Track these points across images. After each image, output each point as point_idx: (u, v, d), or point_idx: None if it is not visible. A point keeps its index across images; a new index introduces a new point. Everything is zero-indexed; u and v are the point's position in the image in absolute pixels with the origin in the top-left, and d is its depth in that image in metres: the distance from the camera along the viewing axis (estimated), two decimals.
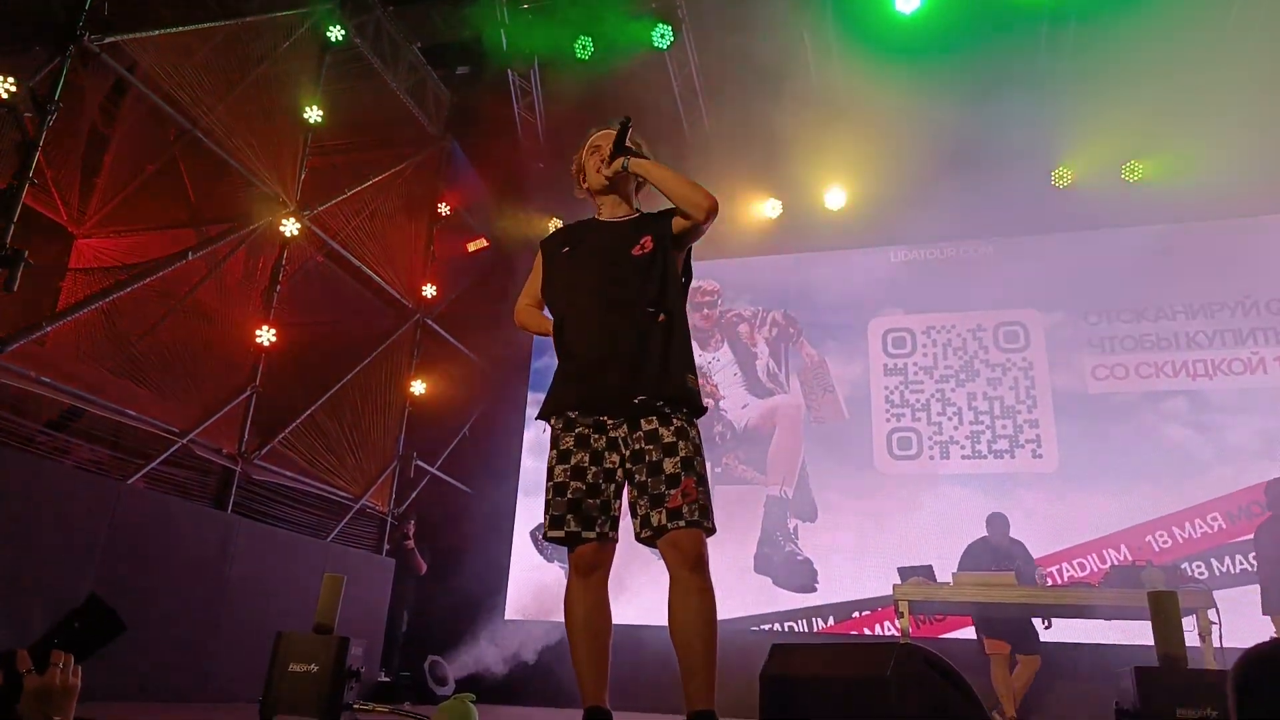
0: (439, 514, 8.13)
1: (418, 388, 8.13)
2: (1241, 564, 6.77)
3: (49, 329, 4.65)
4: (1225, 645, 4.84)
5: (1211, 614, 4.95)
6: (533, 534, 8.18)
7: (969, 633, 6.34)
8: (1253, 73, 6.90)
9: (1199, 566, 6.78)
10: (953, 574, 5.69)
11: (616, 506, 2.44)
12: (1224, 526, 6.90)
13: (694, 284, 2.63)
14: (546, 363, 8.49)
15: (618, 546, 2.46)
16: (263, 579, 5.51)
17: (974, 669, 5.75)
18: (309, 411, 6.66)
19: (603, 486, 2.42)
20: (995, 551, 6.11)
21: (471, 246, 9.18)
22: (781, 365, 8.54)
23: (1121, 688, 2.12)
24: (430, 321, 8.35)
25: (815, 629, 7.46)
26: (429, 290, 8.31)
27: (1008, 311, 8.04)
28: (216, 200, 6.41)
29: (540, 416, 2.57)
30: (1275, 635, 5.22)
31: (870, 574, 7.14)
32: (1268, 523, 5.57)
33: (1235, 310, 7.51)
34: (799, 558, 7.77)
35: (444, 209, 8.68)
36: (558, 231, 2.80)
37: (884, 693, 2.39)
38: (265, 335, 6.12)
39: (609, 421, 2.44)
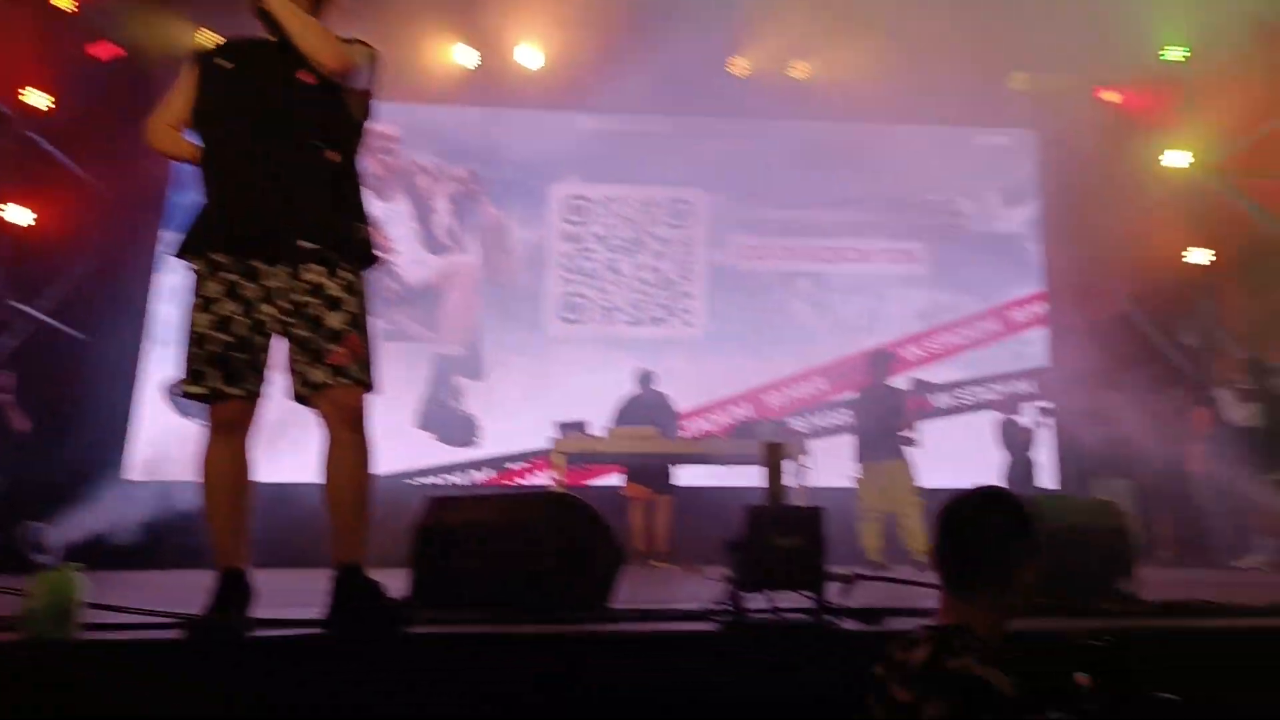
0: (46, 364, 6.96)
1: (17, 215, 6.73)
2: (833, 419, 8.18)
3: None
4: (816, 486, 5.90)
5: (808, 460, 5.97)
6: (167, 389, 7.36)
7: (616, 480, 7.00)
8: None
9: (802, 421, 8.05)
10: (607, 429, 6.18)
11: (266, 361, 2.27)
12: (825, 388, 8.25)
13: (373, 127, 2.43)
14: (187, 197, 7.46)
15: (271, 402, 2.31)
16: None
17: (620, 512, 6.41)
18: None
19: (253, 340, 2.22)
20: (643, 404, 6.78)
21: (98, 52, 7.52)
22: (461, 223, 8.36)
23: (735, 523, 2.44)
24: (35, 135, 6.87)
25: (474, 482, 7.75)
26: (36, 98, 6.78)
27: (678, 189, 8.56)
28: None
29: (180, 255, 2.26)
30: (858, 478, 6.38)
31: (531, 430, 7.48)
32: (868, 388, 6.67)
33: (858, 206, 8.69)
34: (462, 414, 7.92)
35: (61, 2, 6.95)
36: (218, 45, 2.38)
37: (535, 538, 2.57)
38: None
39: (263, 268, 2.21)
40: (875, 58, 7.95)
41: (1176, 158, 8.06)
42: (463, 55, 8.22)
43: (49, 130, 6.97)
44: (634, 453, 6.21)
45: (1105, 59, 8.08)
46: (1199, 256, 8.00)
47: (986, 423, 7.74)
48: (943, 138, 8.78)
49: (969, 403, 8.30)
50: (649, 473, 6.58)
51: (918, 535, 5.90)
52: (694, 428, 7.82)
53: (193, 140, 2.33)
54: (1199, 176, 7.98)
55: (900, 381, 6.89)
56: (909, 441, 6.32)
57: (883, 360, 6.66)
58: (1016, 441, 7.34)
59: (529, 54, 8.21)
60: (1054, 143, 8.70)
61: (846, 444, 6.82)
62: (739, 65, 8.49)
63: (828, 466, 6.16)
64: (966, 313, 8.56)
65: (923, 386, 6.85)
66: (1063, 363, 8.08)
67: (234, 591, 2.17)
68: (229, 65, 2.29)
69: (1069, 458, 7.96)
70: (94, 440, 6.98)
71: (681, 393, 7.21)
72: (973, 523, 1.58)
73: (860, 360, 7.49)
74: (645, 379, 6.97)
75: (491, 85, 8.30)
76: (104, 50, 7.52)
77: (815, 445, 6.40)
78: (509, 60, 8.24)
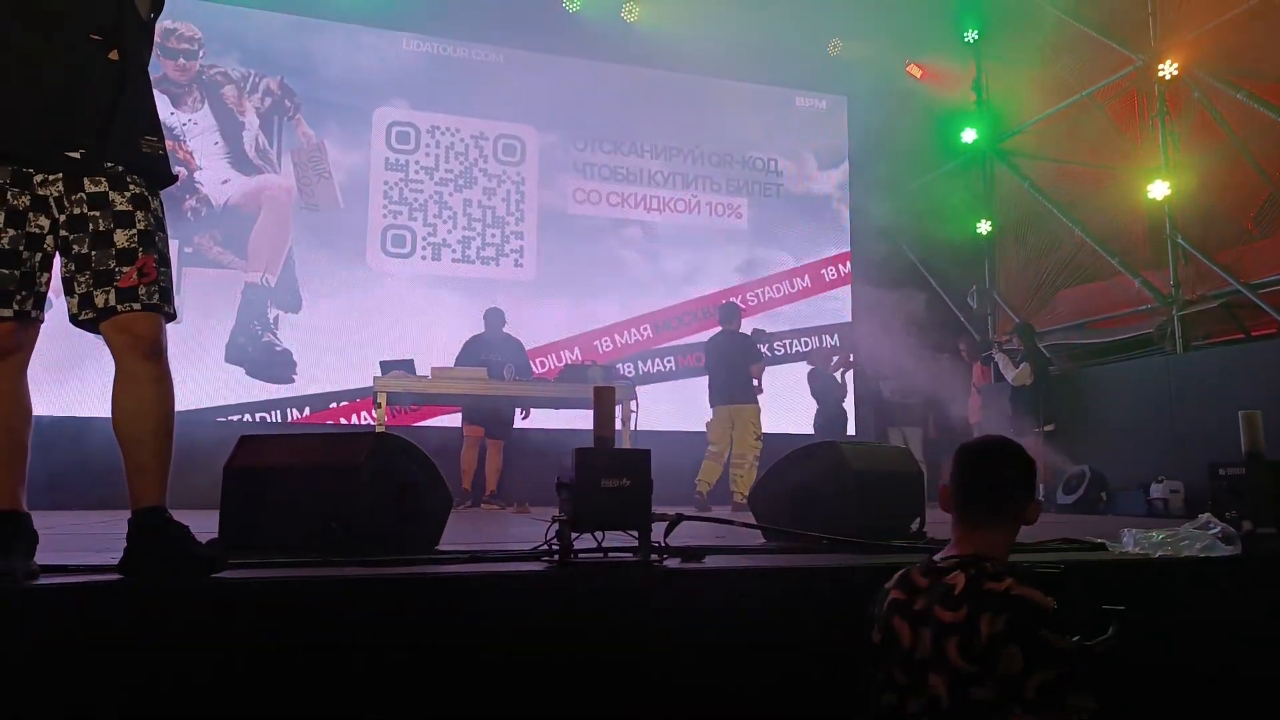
0: None
1: None
2: (658, 365, 8.40)
3: None
4: (640, 428, 6.05)
5: (633, 405, 6.09)
6: None
7: (449, 420, 6.83)
8: None
9: (629, 366, 8.21)
10: (431, 368, 6.01)
11: (44, 280, 2.01)
12: (651, 335, 8.43)
13: (166, 23, 2.16)
14: None
15: (59, 330, 2.05)
16: None
17: (447, 453, 6.27)
18: None
19: (25, 255, 1.96)
20: (489, 345, 6.64)
21: None
22: (273, 141, 7.73)
23: (564, 465, 2.45)
24: None
25: (290, 420, 7.33)
26: None
27: (509, 124, 8.33)
28: None
29: None
30: (709, 422, 6.58)
31: (353, 367, 7.16)
32: (717, 335, 6.86)
33: (687, 157, 8.84)
34: (277, 348, 7.42)
35: None
36: None
37: (356, 479, 2.47)
38: None
39: (36, 176, 1.95)
40: (706, 9, 8.05)
41: (968, 134, 8.82)
42: None
43: None
44: (461, 393, 6.09)
45: (914, 33, 8.63)
46: (983, 226, 8.83)
47: (800, 373, 8.22)
48: (767, 97, 9.07)
49: (783, 354, 8.78)
50: (484, 415, 6.47)
51: (749, 480, 6.13)
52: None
53: None
54: (986, 152, 8.77)
55: (744, 330, 7.16)
56: (757, 388, 6.58)
57: (732, 311, 6.87)
58: (827, 392, 7.85)
59: None
60: (862, 109, 9.23)
61: (671, 390, 7.00)
62: (572, 1, 8.30)
63: (653, 411, 6.32)
64: (781, 269, 9.00)
65: (760, 336, 7.17)
66: (863, 319, 8.71)
67: (12, 534, 1.95)
68: None
69: (867, 407, 8.65)
70: None
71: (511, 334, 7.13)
72: (992, 466, 1.83)
73: (686, 310, 7.69)
74: (490, 316, 6.82)
75: None
76: None
77: (641, 391, 6.54)
78: None
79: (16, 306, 1.96)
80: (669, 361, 8.40)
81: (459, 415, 6.82)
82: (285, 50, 7.77)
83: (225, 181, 7.52)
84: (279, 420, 7.30)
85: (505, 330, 6.86)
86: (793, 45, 8.53)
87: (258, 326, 7.40)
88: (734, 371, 6.52)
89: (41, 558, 2.01)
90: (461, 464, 6.44)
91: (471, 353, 6.60)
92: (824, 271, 9.15)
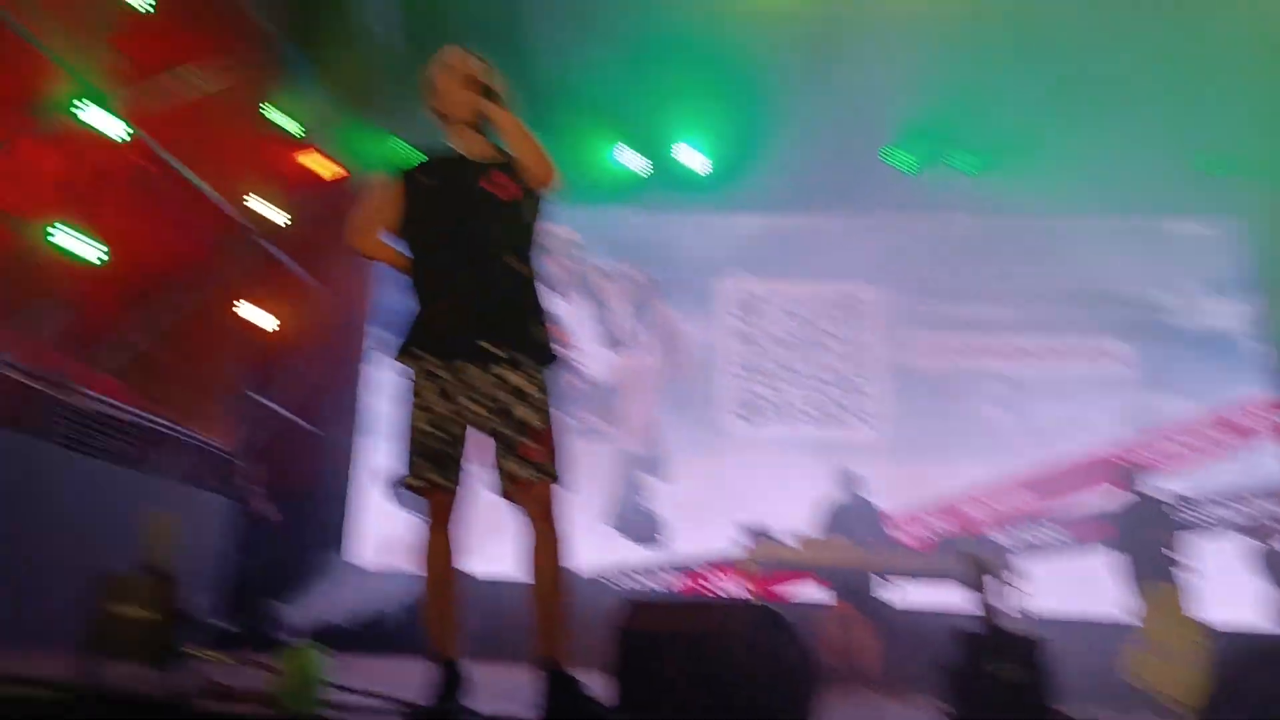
0: (279, 454, 7.63)
1: (256, 315, 7.47)
2: (1043, 536, 7.49)
3: None
4: (1027, 610, 5.38)
5: (1015, 580, 5.46)
6: (389, 482, 7.89)
7: (809, 592, 6.71)
8: (1082, 73, 7.28)
9: (1010, 536, 7.43)
10: (800, 537, 5.96)
11: (465, 453, 2.42)
12: (1028, 500, 7.62)
13: (555, 231, 2.64)
14: (394, 298, 8.06)
15: (476, 497, 2.45)
16: (86, 515, 4.91)
17: (809, 625, 6.06)
18: (129, 332, 6.01)
19: (460, 436, 2.39)
20: (847, 513, 6.51)
21: (318, 167, 8.32)
22: (637, 322, 8.59)
23: (943, 648, 2.27)
24: (266, 243, 7.63)
25: (661, 585, 7.67)
26: (264, 207, 7.48)
27: (849, 285, 8.40)
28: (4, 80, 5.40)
29: (398, 359, 2.49)
30: (1134, 607, 5.75)
31: (715, 532, 7.36)
32: (1127, 503, 6.14)
33: (1043, 301, 8.16)
34: (646, 513, 7.94)
35: (282, 119, 7.74)
36: (422, 164, 2.65)
37: (734, 652, 2.47)
38: (71, 239, 5.28)
39: (465, 366, 2.40)
40: (1046, 145, 7.61)
41: None
42: (634, 161, 8.34)
43: (276, 237, 7.69)
44: (831, 564, 5.93)
45: None
46: None
47: (1234, 548, 6.74)
48: (1131, 228, 8.15)
49: (1209, 525, 7.29)
50: (849, 587, 6.23)
51: (1177, 677, 5.07)
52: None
53: (396, 246, 2.57)
54: None
55: (1163, 494, 6.28)
56: (1179, 563, 5.72)
57: (1137, 472, 6.18)
58: None
59: (694, 157, 8.31)
60: (1264, 229, 7.92)
61: (1059, 565, 6.16)
62: (902, 159, 8.24)
63: (1039, 589, 5.60)
64: (1183, 419, 7.73)
65: (1181, 502, 6.22)
66: None
67: (454, 682, 2.27)
68: (432, 183, 2.52)
69: None
70: (321, 528, 7.60)
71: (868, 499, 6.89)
72: None
73: (1070, 471, 6.89)
74: (847, 479, 6.73)
75: (659, 186, 8.47)
76: (314, 159, 8.23)
77: (1023, 565, 5.86)
78: (676, 163, 8.35)
79: (456, 479, 2.37)
80: (1054, 531, 7.49)
81: (811, 583, 6.63)
82: (644, 240, 8.62)
83: (598, 360, 8.47)
84: (651, 585, 7.64)
85: (862, 495, 6.66)
86: (1160, 169, 7.70)
87: (628, 492, 8.00)
88: (1151, 544, 5.69)
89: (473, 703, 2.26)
90: (828, 642, 6.15)
91: (830, 520, 6.48)
92: (1246, 421, 7.69)
